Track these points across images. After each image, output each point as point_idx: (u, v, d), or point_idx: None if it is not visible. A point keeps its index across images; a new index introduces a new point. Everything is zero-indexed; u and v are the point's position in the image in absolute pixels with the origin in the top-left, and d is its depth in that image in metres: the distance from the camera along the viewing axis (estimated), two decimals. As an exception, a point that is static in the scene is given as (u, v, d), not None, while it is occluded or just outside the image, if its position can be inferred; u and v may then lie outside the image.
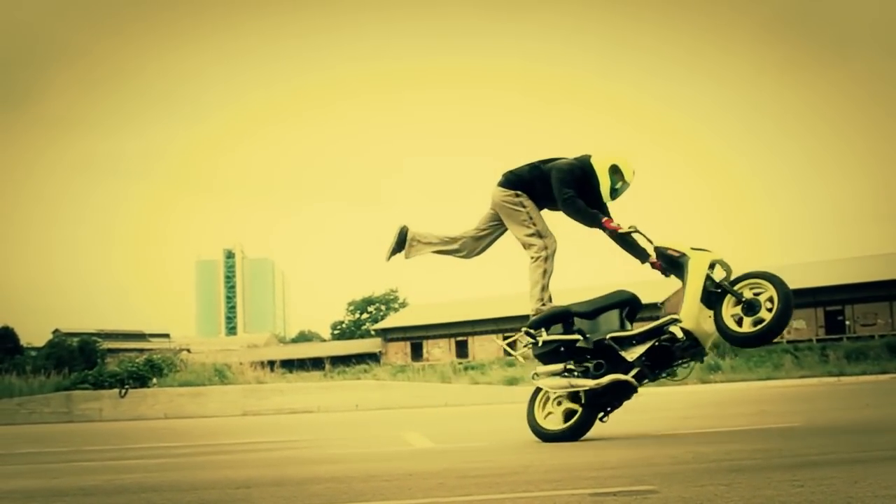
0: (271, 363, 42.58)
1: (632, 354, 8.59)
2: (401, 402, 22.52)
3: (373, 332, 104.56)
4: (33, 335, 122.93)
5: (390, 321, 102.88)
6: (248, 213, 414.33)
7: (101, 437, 14.42)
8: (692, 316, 8.48)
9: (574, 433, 8.84)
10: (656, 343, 8.59)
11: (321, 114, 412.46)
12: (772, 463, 6.08)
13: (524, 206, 9.37)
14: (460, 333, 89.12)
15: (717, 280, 8.44)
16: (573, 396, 8.91)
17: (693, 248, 8.66)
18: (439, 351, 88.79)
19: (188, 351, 77.59)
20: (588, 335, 8.80)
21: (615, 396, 8.78)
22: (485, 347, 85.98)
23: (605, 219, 9.01)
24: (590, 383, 8.57)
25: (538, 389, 9.21)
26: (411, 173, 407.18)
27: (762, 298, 8.17)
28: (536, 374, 8.98)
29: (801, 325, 70.16)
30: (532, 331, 9.05)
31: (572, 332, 8.87)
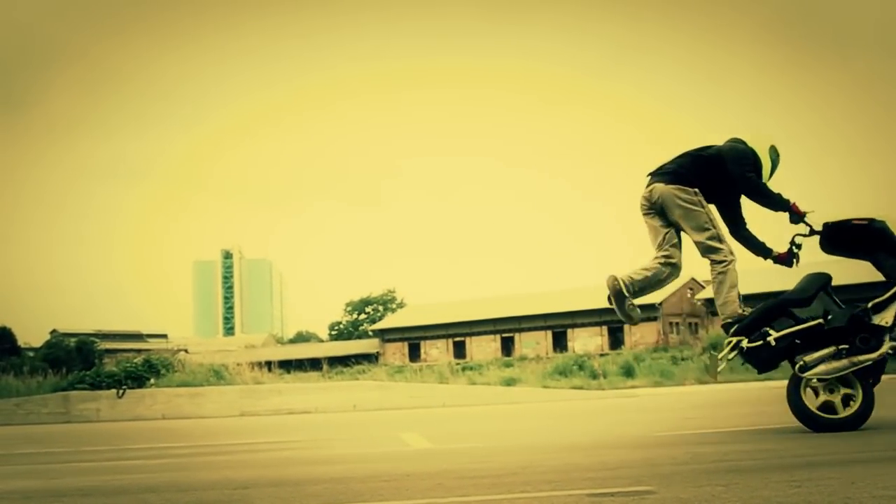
0: (269, 364, 42.60)
1: (885, 319, 8.26)
2: (398, 402, 22.51)
3: (370, 333, 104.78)
4: (31, 335, 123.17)
5: (388, 322, 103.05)
6: (246, 214, 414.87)
7: (98, 437, 14.42)
8: None
9: (860, 419, 8.25)
10: None
11: (318, 114, 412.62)
12: (769, 464, 6.09)
13: (703, 206, 8.68)
14: (458, 334, 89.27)
15: None
16: (844, 381, 8.29)
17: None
18: (437, 351, 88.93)
19: (186, 351, 77.81)
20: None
21: (880, 371, 8.38)
22: (482, 348, 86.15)
23: (793, 202, 8.57)
24: (872, 356, 8.12)
25: (798, 381, 8.36)
26: (409, 174, 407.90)
27: None
28: (804, 363, 8.19)
29: (799, 326, 70.10)
30: (747, 332, 8.45)
31: (801, 321, 8.35)
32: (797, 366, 8.22)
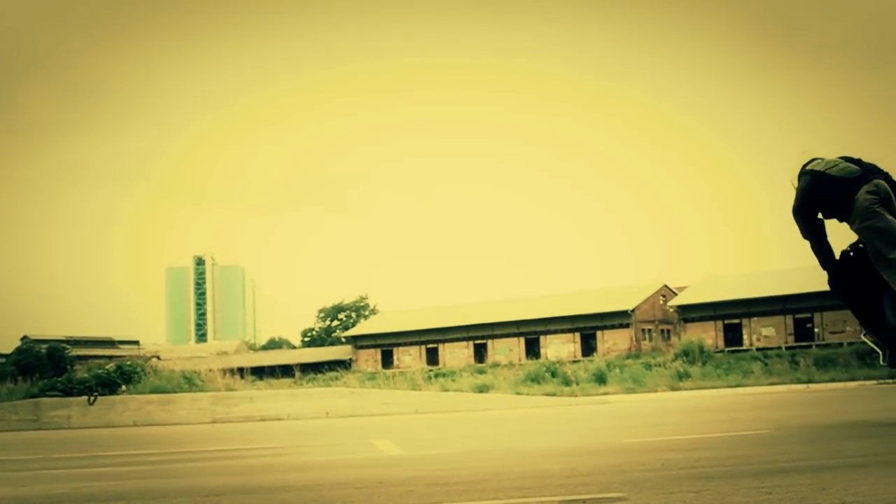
0: (241, 370, 42.40)
1: None
2: (371, 409, 22.50)
3: (343, 340, 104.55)
4: (1, 342, 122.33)
5: (361, 328, 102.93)
6: (219, 221, 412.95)
7: (69, 444, 14.35)
8: None
9: None
10: None
11: (291, 121, 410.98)
12: (741, 470, 6.10)
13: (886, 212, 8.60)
14: (431, 341, 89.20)
15: None
16: None
17: None
18: (410, 358, 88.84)
19: (158, 358, 77.49)
20: None
21: None
22: (455, 354, 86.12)
23: None
24: None
25: None
26: (381, 180, 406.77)
27: None
28: None
29: (770, 333, 70.57)
30: None
31: None
32: None
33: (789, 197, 8.98)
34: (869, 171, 8.74)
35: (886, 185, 8.63)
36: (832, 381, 38.03)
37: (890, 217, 8.46)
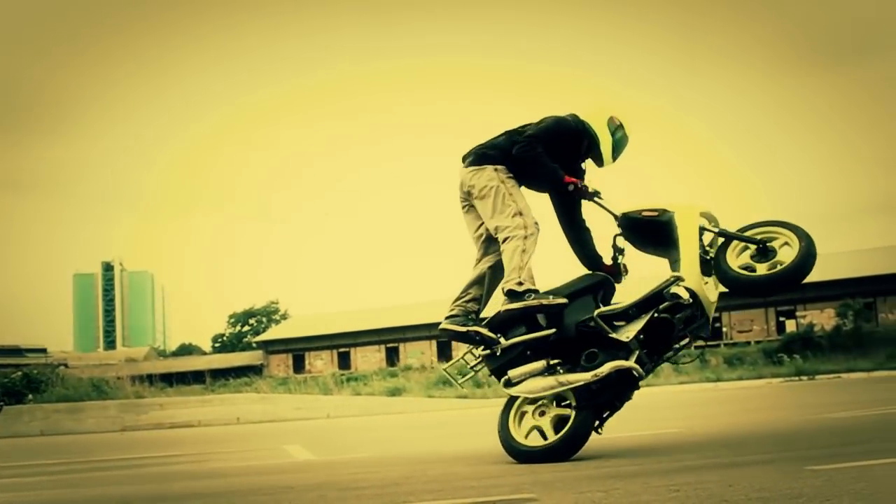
0: (150, 377, 42.00)
1: (626, 334, 7.03)
2: (283, 414, 22.40)
3: (254, 345, 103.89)
4: None
5: (272, 333, 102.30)
6: (127, 227, 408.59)
7: (-27, 455, 14.09)
8: (695, 274, 7.05)
9: (568, 446, 7.01)
10: (655, 315, 7.07)
11: (201, 127, 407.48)
12: (649, 469, 6.16)
13: (503, 182, 7.47)
14: (342, 345, 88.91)
15: (715, 231, 7.24)
16: (559, 401, 7.18)
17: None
18: (321, 363, 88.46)
19: (65, 366, 76.39)
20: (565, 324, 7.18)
21: (616, 393, 7.16)
22: (367, 358, 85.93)
23: (567, 176, 7.38)
24: (586, 377, 6.90)
25: (511, 400, 7.38)
26: (298, 187, 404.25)
27: (776, 245, 6.94)
28: (510, 379, 7.16)
29: (679, 333, 71.35)
30: (483, 335, 7.32)
31: (538, 329, 7.21)
32: (503, 380, 7.25)
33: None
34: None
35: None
36: (740, 378, 38.63)
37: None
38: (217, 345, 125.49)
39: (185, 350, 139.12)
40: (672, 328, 7.07)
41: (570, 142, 7.63)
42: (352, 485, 6.22)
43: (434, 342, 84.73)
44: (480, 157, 7.63)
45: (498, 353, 7.29)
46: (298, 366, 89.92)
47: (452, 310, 7.56)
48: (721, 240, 7.21)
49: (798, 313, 66.82)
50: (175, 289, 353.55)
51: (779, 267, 6.83)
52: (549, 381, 7.01)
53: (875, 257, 68.10)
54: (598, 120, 7.59)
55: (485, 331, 7.33)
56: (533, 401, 7.23)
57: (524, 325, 7.23)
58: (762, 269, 6.90)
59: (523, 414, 7.29)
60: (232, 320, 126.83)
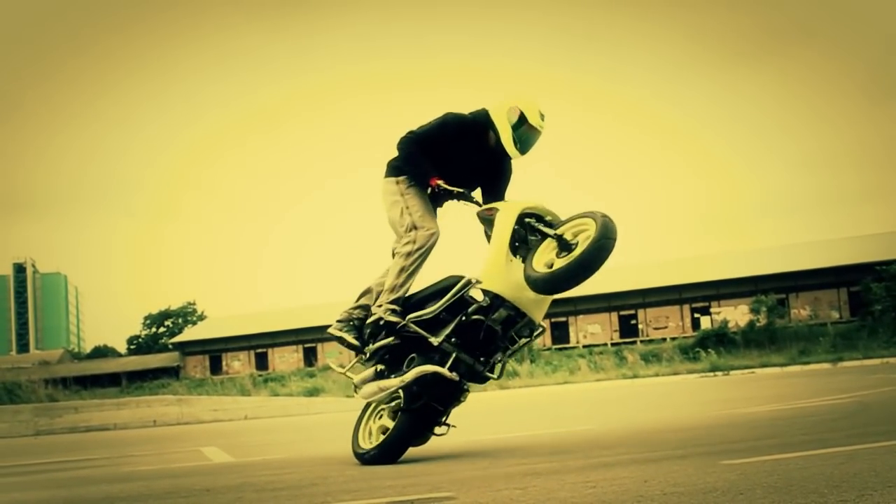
0: (65, 380, 41.51)
1: (437, 338, 7.06)
2: (200, 416, 22.28)
3: (170, 347, 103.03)
4: None
5: (188, 334, 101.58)
6: (39, 228, 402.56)
7: None
8: (494, 274, 7.06)
9: (386, 451, 7.17)
10: (464, 318, 7.09)
11: (117, 128, 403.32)
12: (566, 466, 6.19)
13: (403, 195, 7.49)
14: (260, 345, 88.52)
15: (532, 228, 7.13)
16: (395, 407, 7.31)
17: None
18: (239, 364, 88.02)
19: (-24, 370, 75.14)
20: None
21: (434, 396, 7.16)
22: (285, 359, 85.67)
23: (433, 177, 7.33)
24: (394, 382, 7.11)
25: (366, 406, 7.69)
26: (209, 187, 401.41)
27: (581, 237, 6.82)
28: (355, 385, 7.51)
29: (596, 330, 72.00)
30: (348, 342, 7.63)
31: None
32: (354, 384, 7.63)
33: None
34: None
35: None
36: (656, 375, 39.16)
37: None
38: (132, 347, 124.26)
39: (100, 352, 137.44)
40: (491, 331, 7.14)
41: (471, 136, 7.57)
42: (269, 486, 6.19)
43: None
44: (388, 168, 7.71)
45: (366, 357, 7.59)
46: (216, 367, 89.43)
47: (341, 316, 7.90)
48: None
49: (713, 309, 67.75)
50: (89, 290, 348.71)
51: (568, 258, 6.73)
52: (372, 387, 7.32)
53: (787, 254, 69.28)
54: (498, 113, 7.48)
55: (349, 338, 7.70)
56: (375, 406, 7.55)
57: (386, 329, 7.38)
58: (559, 263, 6.78)
59: (370, 418, 7.63)
60: (147, 322, 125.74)
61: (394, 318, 7.26)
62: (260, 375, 67.39)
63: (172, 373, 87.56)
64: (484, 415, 16.28)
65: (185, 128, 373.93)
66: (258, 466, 8.36)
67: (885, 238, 64.43)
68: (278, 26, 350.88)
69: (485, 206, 7.35)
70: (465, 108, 7.62)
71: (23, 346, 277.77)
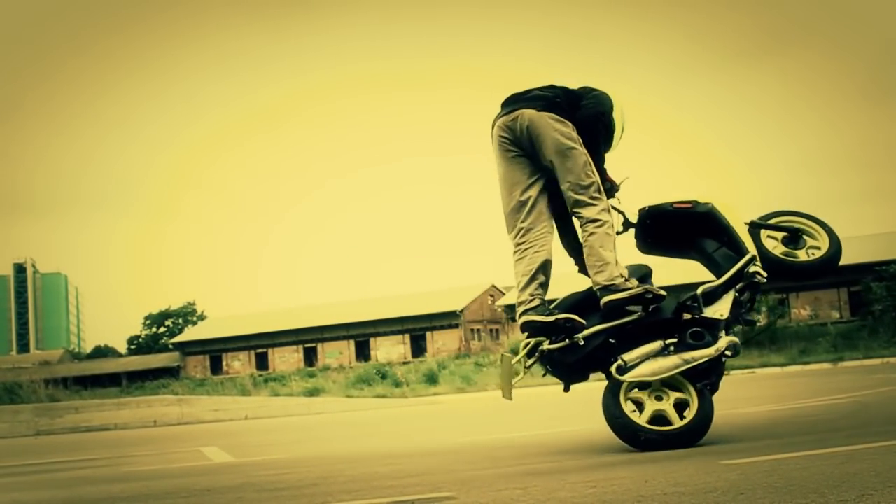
0: (65, 380, 41.49)
1: (719, 312, 6.89)
2: (200, 416, 22.27)
3: (171, 347, 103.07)
4: None
5: (188, 334, 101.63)
6: (39, 228, 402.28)
7: None
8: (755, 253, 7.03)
9: (698, 430, 6.64)
10: (736, 294, 7.00)
11: (118, 128, 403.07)
12: (567, 466, 6.19)
13: (582, 146, 6.74)
14: (260, 345, 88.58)
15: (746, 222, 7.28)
16: (673, 385, 6.73)
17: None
18: (239, 364, 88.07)
19: (-24, 370, 75.17)
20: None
21: (718, 373, 6.94)
22: (285, 359, 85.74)
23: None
24: (709, 352, 6.67)
25: (616, 387, 6.69)
26: (209, 187, 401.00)
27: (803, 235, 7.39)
28: (623, 363, 6.56)
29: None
30: (576, 322, 6.66)
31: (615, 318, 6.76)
32: (615, 366, 6.56)
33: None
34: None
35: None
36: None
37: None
38: (133, 347, 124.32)
39: (101, 352, 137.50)
40: (740, 307, 7.11)
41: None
42: (270, 486, 6.19)
43: (352, 342, 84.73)
44: (553, 105, 6.83)
45: (582, 343, 6.69)
46: (216, 367, 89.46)
47: (530, 300, 6.84)
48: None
49: (713, 310, 67.54)
50: (89, 290, 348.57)
51: (820, 253, 7.33)
52: (674, 360, 6.61)
53: (787, 254, 69.05)
54: (618, 106, 7.06)
55: (577, 318, 6.68)
56: (643, 386, 6.69)
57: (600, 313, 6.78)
58: (802, 255, 7.32)
59: (637, 401, 6.69)
60: (148, 322, 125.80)
61: (659, 291, 6.80)
62: (260, 375, 67.36)
63: (173, 373, 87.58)
64: (484, 415, 16.28)
65: (185, 128, 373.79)
66: (259, 466, 8.36)
67: (886, 238, 64.26)
68: (279, 26, 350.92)
69: (674, 200, 7.28)
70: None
71: (23, 346, 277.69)
